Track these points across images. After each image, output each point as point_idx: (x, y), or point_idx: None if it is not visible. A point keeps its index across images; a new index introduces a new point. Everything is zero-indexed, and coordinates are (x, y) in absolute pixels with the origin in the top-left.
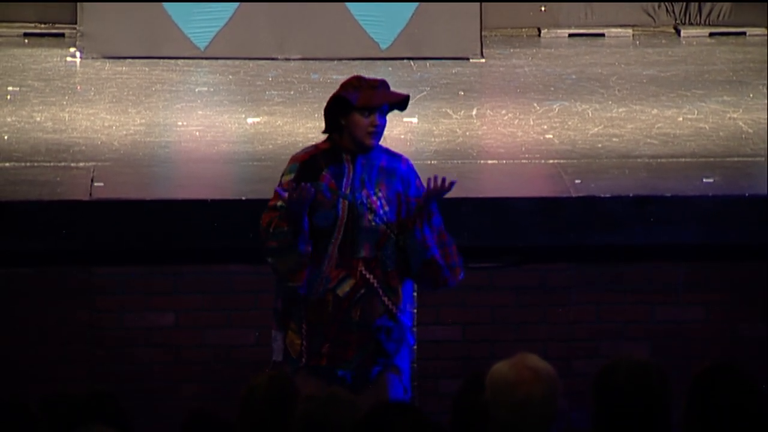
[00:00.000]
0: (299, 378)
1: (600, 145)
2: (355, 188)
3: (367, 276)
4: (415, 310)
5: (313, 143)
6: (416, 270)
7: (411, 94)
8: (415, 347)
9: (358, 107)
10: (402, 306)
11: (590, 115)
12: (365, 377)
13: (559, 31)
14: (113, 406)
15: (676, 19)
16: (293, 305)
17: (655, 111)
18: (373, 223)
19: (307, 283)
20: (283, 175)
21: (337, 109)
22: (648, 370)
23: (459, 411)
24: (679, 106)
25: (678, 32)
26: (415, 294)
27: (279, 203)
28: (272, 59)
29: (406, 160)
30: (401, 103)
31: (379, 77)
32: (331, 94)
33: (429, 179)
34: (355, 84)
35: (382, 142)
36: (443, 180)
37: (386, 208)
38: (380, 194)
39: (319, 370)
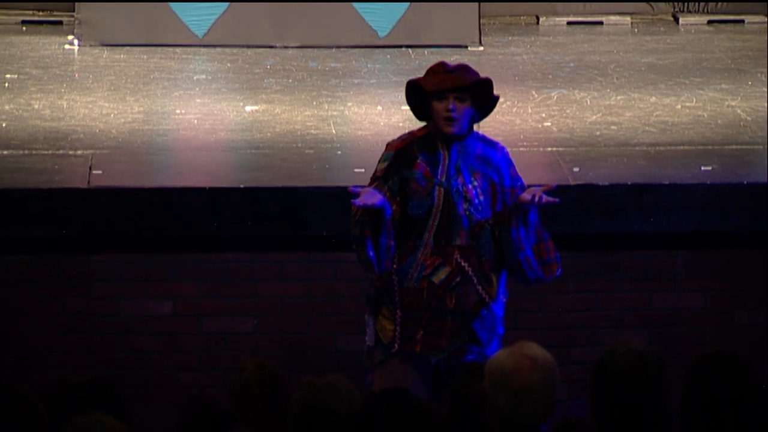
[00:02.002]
0: (392, 365)
1: (598, 133)
2: (450, 176)
3: (463, 264)
4: (506, 300)
5: (409, 130)
6: (509, 265)
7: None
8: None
9: (430, 92)
10: (496, 296)
11: (588, 103)
12: (458, 365)
13: (557, 19)
14: (111, 394)
15: (674, 7)
16: (386, 291)
17: (653, 99)
18: (468, 212)
19: (402, 270)
20: (378, 162)
21: (422, 97)
22: (646, 358)
23: (456, 399)
24: (677, 94)
25: (676, 20)
26: None
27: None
28: (270, 47)
29: (502, 149)
30: (487, 89)
31: (461, 62)
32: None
33: (532, 195)
34: (434, 69)
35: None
36: (540, 198)
37: (481, 198)
38: (476, 183)
39: (413, 357)
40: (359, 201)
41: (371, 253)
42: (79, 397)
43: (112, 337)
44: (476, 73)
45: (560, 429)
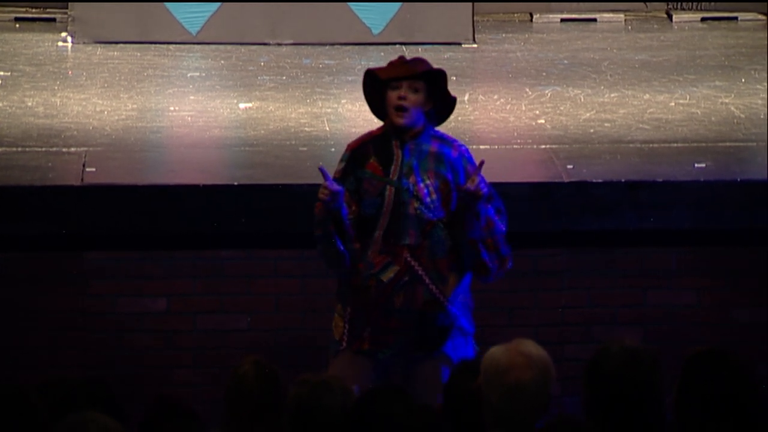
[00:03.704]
0: (341, 360)
1: (592, 130)
2: (402, 174)
3: (413, 263)
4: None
5: (369, 130)
6: (467, 261)
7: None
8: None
9: (383, 80)
10: (452, 295)
11: (582, 100)
12: (408, 364)
13: (551, 15)
14: (106, 393)
15: (668, 5)
16: (341, 288)
17: (647, 96)
18: (418, 211)
19: (352, 268)
20: (338, 163)
21: (377, 92)
22: (640, 355)
23: (450, 396)
24: (671, 91)
25: (670, 17)
26: None
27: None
28: (264, 44)
29: (459, 147)
30: (441, 81)
31: (419, 57)
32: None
33: (472, 183)
34: (392, 61)
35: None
36: (479, 183)
37: (433, 197)
38: (428, 182)
39: (361, 354)
40: (331, 185)
41: (341, 247)
42: (74, 396)
43: (107, 334)
44: (438, 70)
45: (554, 426)
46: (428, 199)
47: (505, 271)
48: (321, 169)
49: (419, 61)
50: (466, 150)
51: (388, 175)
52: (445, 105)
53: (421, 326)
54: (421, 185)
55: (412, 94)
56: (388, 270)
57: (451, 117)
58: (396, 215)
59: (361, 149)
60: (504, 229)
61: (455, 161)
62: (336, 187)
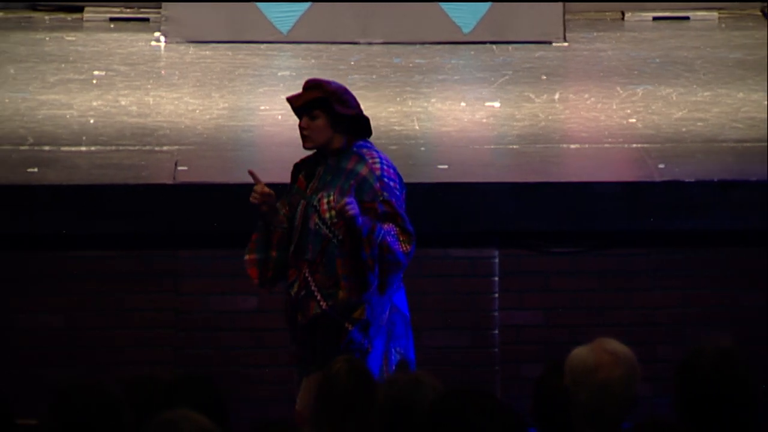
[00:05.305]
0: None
1: (684, 129)
2: (314, 190)
3: (308, 278)
4: (404, 313)
5: None
6: (357, 281)
7: (493, 78)
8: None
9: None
10: (346, 313)
11: (675, 98)
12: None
13: (643, 14)
14: (207, 392)
15: (763, 2)
16: None
17: (741, 95)
18: (317, 226)
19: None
20: None
21: None
22: (732, 357)
23: (540, 396)
24: (765, 89)
25: (765, 15)
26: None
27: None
28: (355, 43)
29: (372, 164)
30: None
31: (317, 78)
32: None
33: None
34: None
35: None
36: (336, 206)
37: (332, 213)
38: (331, 198)
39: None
40: (261, 187)
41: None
42: (172, 393)
43: (198, 332)
44: (324, 92)
45: (645, 427)
46: (327, 215)
47: (358, 298)
48: (250, 173)
49: (310, 89)
50: (383, 167)
51: (305, 190)
52: (357, 119)
53: (311, 340)
54: (324, 201)
55: (310, 121)
56: (295, 284)
57: (541, 116)
58: (302, 231)
59: (299, 166)
60: (404, 251)
61: (362, 180)
62: (266, 189)
